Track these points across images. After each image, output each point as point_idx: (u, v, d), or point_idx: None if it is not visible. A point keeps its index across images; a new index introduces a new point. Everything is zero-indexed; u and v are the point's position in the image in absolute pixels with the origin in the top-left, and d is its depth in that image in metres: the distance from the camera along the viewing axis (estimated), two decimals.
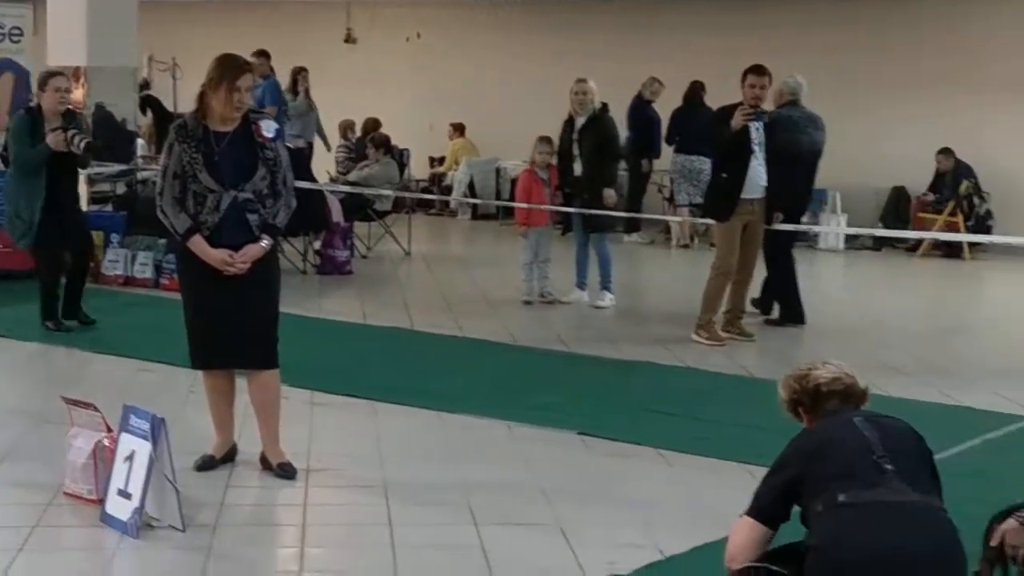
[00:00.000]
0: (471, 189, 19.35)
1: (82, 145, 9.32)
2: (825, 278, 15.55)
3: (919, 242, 16.39)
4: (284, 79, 16.26)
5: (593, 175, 11.47)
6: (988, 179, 16.39)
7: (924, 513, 3.94)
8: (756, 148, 9.90)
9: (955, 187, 16.37)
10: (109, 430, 5.73)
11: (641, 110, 16.62)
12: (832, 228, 16.41)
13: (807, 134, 10.85)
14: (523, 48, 19.76)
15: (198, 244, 6.08)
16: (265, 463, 6.37)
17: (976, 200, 16.38)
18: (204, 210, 6.10)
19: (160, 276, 11.78)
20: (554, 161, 11.68)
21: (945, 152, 16.57)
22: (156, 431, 5.38)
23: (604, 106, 11.70)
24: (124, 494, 5.44)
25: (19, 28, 13.75)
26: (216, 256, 6.07)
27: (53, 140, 9.31)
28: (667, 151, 16.45)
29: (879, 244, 16.87)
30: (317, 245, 13.42)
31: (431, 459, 6.77)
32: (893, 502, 3.90)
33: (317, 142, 17.19)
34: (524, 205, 11.76)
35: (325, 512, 5.90)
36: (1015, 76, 16.12)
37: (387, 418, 7.51)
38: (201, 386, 6.56)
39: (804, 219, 16.09)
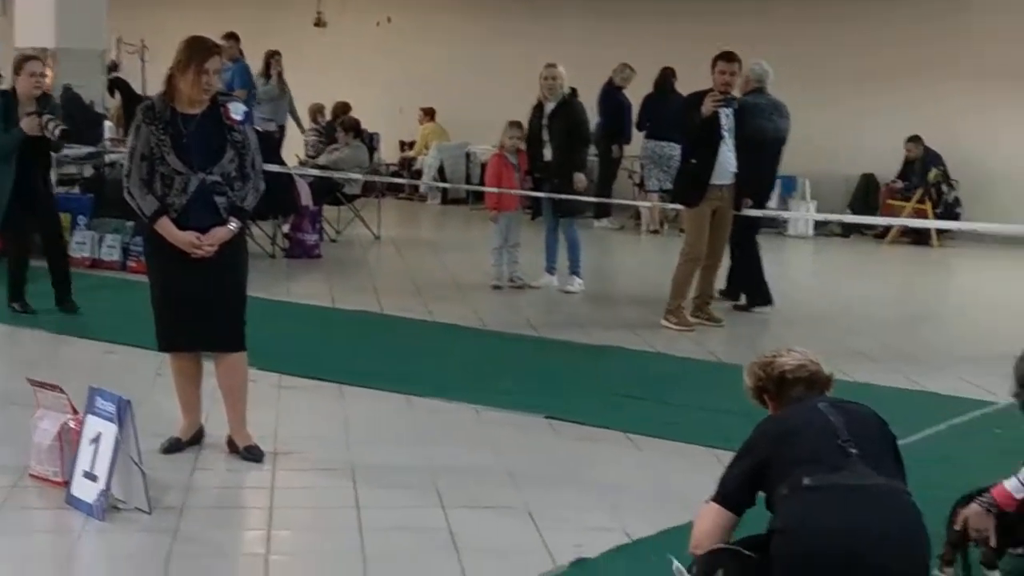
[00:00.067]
0: (441, 173, 19.32)
1: (57, 132, 9.26)
2: (794, 264, 15.61)
3: (887, 229, 16.46)
4: (254, 62, 16.18)
5: (563, 160, 11.47)
6: (957, 167, 16.47)
7: (888, 496, 3.97)
8: (726, 134, 9.92)
9: (924, 175, 16.45)
10: (75, 412, 5.70)
11: (612, 96, 16.62)
12: (801, 214, 16.46)
13: (772, 121, 10.87)
14: (494, 33, 19.73)
15: (165, 226, 6.05)
16: (232, 446, 6.35)
17: (944, 187, 16.46)
18: (172, 192, 6.06)
19: (127, 259, 11.73)
20: (523, 146, 11.67)
21: (914, 140, 16.64)
22: (122, 413, 5.35)
23: (573, 91, 11.70)
24: (90, 476, 5.42)
25: None
26: (183, 238, 6.04)
27: (28, 125, 9.24)
28: (637, 137, 16.46)
29: (848, 231, 16.95)
30: (286, 228, 13.38)
31: (399, 442, 6.76)
32: (858, 485, 3.92)
33: (290, 125, 17.13)
34: (494, 190, 11.75)
35: (292, 495, 5.88)
36: (983, 66, 16.18)
37: (355, 401, 7.50)
38: (168, 369, 6.54)
39: (772, 205, 16.26)
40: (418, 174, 19.72)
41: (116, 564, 5.10)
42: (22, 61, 9.58)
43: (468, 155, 19.33)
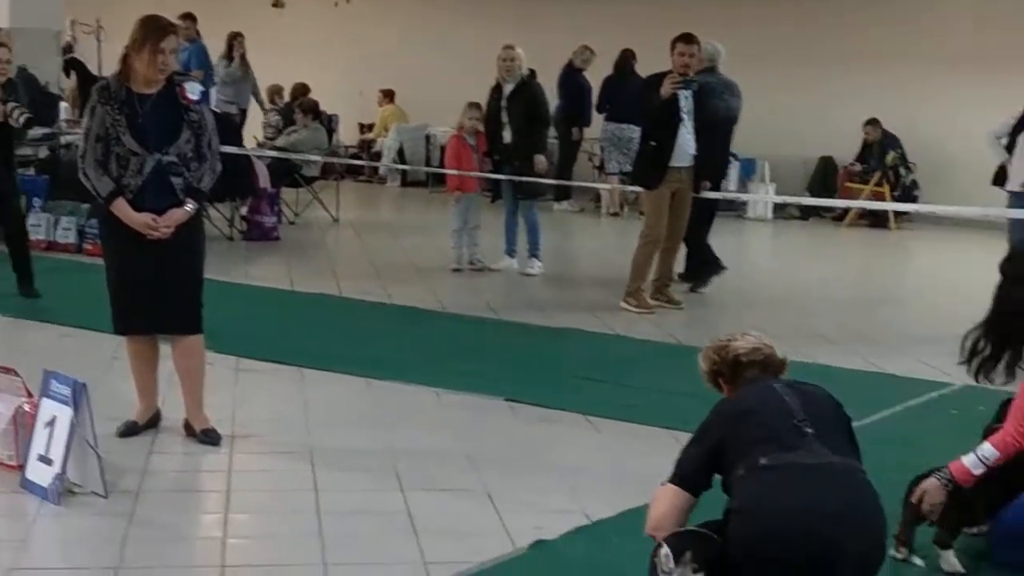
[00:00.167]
0: (400, 156, 19.26)
1: (22, 120, 9.17)
2: (753, 247, 15.68)
3: (846, 211, 16.55)
4: (212, 43, 16.05)
5: (523, 142, 11.45)
6: (914, 150, 16.56)
7: (844, 474, 3.99)
8: (685, 116, 9.92)
9: (882, 157, 16.54)
10: (30, 395, 5.65)
11: (572, 78, 16.60)
12: (760, 196, 16.51)
13: (723, 100, 10.88)
14: (453, 14, 19.67)
15: (121, 208, 5.98)
16: (189, 429, 6.31)
17: (902, 170, 16.56)
18: (127, 173, 5.99)
19: (83, 241, 11.64)
20: (482, 127, 11.63)
21: (872, 123, 16.72)
22: (77, 396, 5.30)
23: (532, 73, 11.68)
24: (45, 460, 5.36)
25: None
26: (139, 220, 5.98)
27: None
28: (597, 119, 16.45)
29: (806, 213, 17.02)
30: (244, 211, 13.30)
31: (358, 425, 6.74)
32: (813, 464, 3.94)
33: (253, 108, 17.03)
34: (454, 171, 11.72)
35: (249, 478, 5.85)
36: (942, 49, 16.26)
37: (313, 384, 7.46)
38: (124, 352, 6.47)
39: (731, 188, 16.32)
40: (377, 156, 19.64)
41: (71, 548, 5.06)
42: None
43: (428, 137, 19.28)
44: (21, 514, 5.26)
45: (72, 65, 15.91)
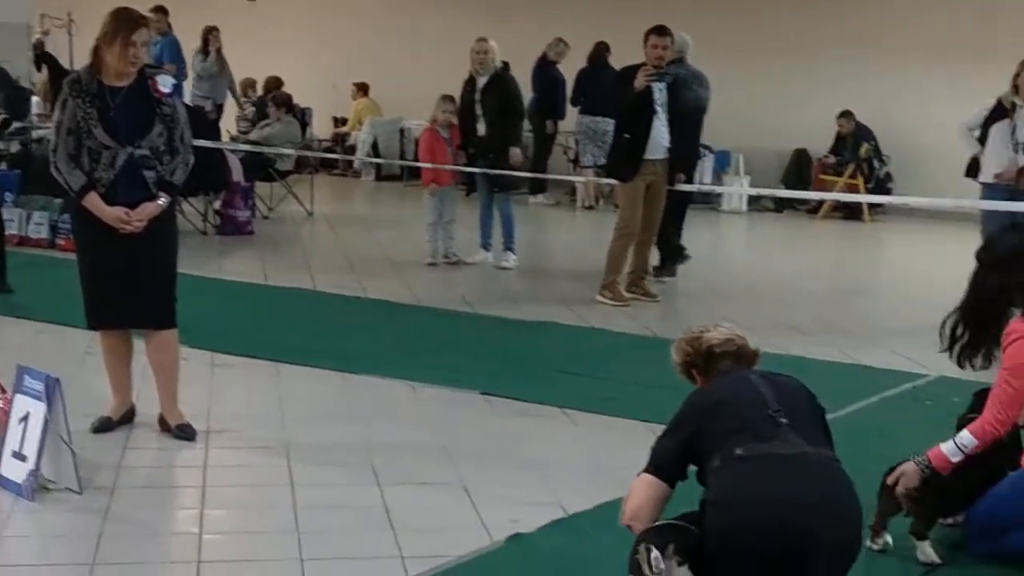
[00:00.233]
0: (375, 149, 19.22)
1: None
2: (728, 240, 15.71)
3: (820, 204, 16.59)
4: (185, 37, 15.95)
5: (497, 135, 11.43)
6: (888, 142, 16.61)
7: (819, 464, 4.00)
8: (659, 109, 9.92)
9: (855, 149, 16.58)
10: (3, 391, 5.61)
11: (546, 71, 16.60)
12: (734, 189, 16.54)
13: (692, 91, 10.87)
14: (426, 7, 19.64)
15: (93, 202, 5.94)
16: (164, 425, 6.28)
17: (876, 162, 16.61)
18: (99, 167, 5.95)
19: (56, 236, 11.57)
20: (456, 120, 11.61)
21: (846, 115, 16.76)
22: (51, 392, 5.27)
23: (505, 65, 11.68)
24: (19, 456, 5.33)
25: None
26: (112, 214, 5.94)
27: None
28: (572, 112, 16.45)
29: (781, 206, 17.07)
30: (217, 205, 13.25)
31: (333, 420, 6.71)
32: (788, 454, 3.95)
33: (229, 103, 16.96)
34: (428, 165, 11.69)
35: (225, 473, 5.82)
36: (914, 41, 16.31)
37: (289, 379, 7.43)
38: (98, 347, 6.44)
39: (706, 180, 16.35)
40: (351, 150, 19.60)
41: (46, 544, 5.02)
42: None
43: (402, 131, 19.24)
44: None
45: (43, 59, 15.82)
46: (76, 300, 6.26)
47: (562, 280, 11.38)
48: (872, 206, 16.27)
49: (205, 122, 13.54)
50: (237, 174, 13.36)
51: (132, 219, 5.95)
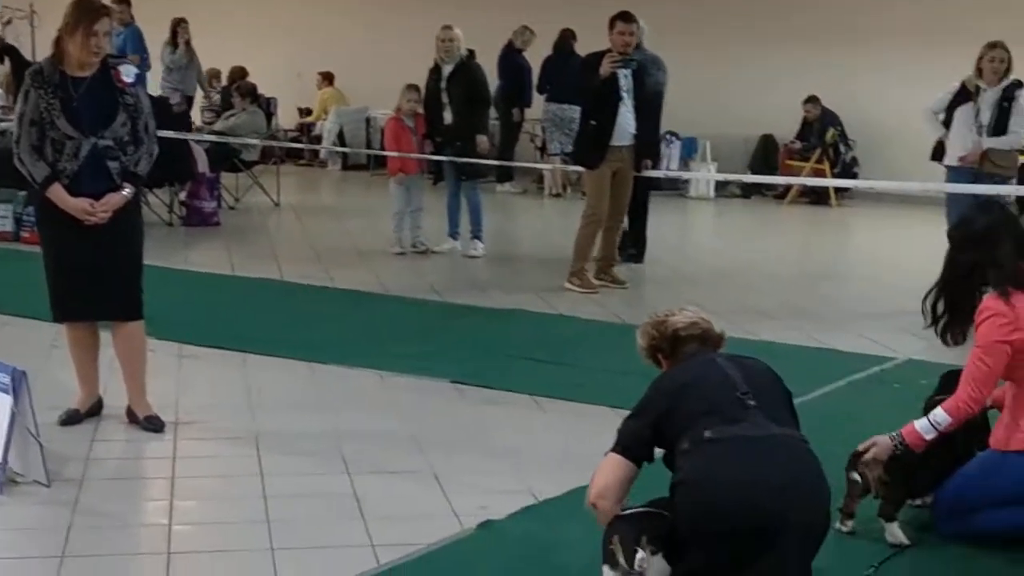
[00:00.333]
0: (341, 139, 19.16)
1: None
2: (696, 226, 15.75)
3: (787, 189, 16.65)
4: (146, 27, 15.85)
5: (463, 123, 11.41)
6: (854, 127, 16.68)
7: (787, 446, 4.02)
8: (624, 95, 9.92)
9: (821, 135, 16.65)
10: None
11: (511, 59, 16.58)
12: (702, 174, 16.57)
13: (651, 75, 10.85)
14: None
15: (57, 193, 5.90)
16: (132, 416, 6.25)
17: (842, 147, 16.67)
18: (63, 158, 5.91)
19: (20, 229, 11.48)
20: (421, 109, 11.59)
21: (812, 101, 16.83)
22: (17, 385, 5.23)
23: (471, 53, 11.66)
24: None
25: None
26: (76, 205, 5.90)
27: None
28: (538, 100, 16.44)
29: (748, 192, 17.12)
30: (183, 196, 13.18)
31: (302, 409, 6.69)
32: (757, 436, 3.96)
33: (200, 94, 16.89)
34: (395, 154, 11.67)
35: (194, 464, 5.79)
36: (878, 26, 16.38)
37: (257, 369, 7.40)
38: (64, 340, 6.40)
39: (672, 167, 16.38)
40: (317, 140, 19.54)
41: (15, 537, 4.98)
42: None
43: (368, 120, 19.18)
44: None
45: (5, 51, 15.66)
46: (41, 293, 6.22)
47: (530, 268, 11.38)
48: (839, 191, 16.35)
49: (169, 113, 13.48)
50: (202, 165, 13.29)
51: (97, 210, 5.91)
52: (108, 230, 5.96)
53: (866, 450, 4.86)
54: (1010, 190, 9.59)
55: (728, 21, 17.30)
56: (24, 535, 4.97)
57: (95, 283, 6.03)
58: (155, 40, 16.19)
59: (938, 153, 9.93)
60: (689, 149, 17.29)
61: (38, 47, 15.62)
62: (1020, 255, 4.96)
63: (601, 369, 7.44)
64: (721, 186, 17.12)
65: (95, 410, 6.33)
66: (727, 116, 17.10)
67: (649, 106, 10.35)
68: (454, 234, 11.83)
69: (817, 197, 16.59)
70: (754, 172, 16.75)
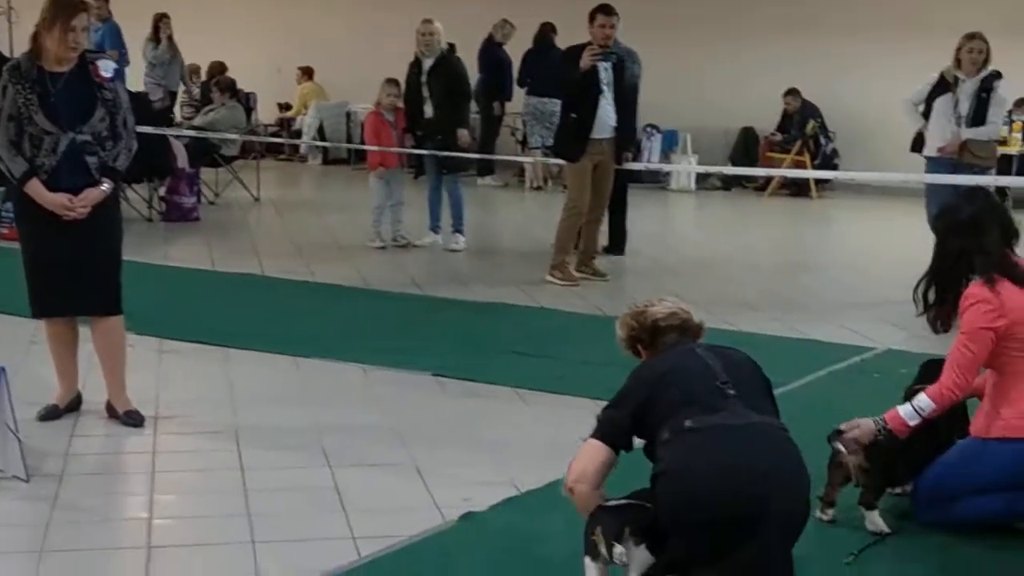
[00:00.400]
0: (321, 133, 19.12)
1: None
2: (677, 218, 15.78)
3: (768, 181, 16.67)
4: (124, 23, 15.77)
5: (444, 117, 11.39)
6: (834, 118, 16.72)
7: (767, 434, 4.02)
8: (605, 88, 9.92)
9: (802, 127, 16.68)
10: None
11: (492, 52, 16.56)
12: (683, 167, 16.58)
13: (626, 68, 10.85)
14: None
15: (35, 188, 5.88)
16: (111, 411, 6.24)
17: (822, 139, 16.71)
18: (41, 153, 5.89)
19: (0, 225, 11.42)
20: (401, 104, 11.58)
21: (792, 93, 16.86)
22: None
23: (451, 47, 11.64)
24: None
25: None
26: (55, 200, 5.88)
27: None
28: (519, 94, 16.42)
29: (729, 184, 17.15)
30: (162, 191, 13.14)
31: (283, 403, 6.68)
32: (737, 425, 3.96)
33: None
34: (375, 148, 11.65)
35: (174, 459, 5.78)
36: (858, 18, 16.42)
37: (238, 364, 7.39)
38: (43, 335, 6.38)
39: (654, 159, 16.39)
40: (297, 134, 19.50)
41: None
42: None
43: (348, 114, 19.15)
44: None
45: None
46: (20, 288, 6.19)
47: (511, 261, 11.38)
48: (819, 182, 16.38)
49: (148, 108, 13.43)
50: (182, 160, 13.25)
51: (75, 206, 5.89)
52: (87, 225, 5.95)
53: (849, 429, 4.87)
54: (989, 180, 9.61)
55: (708, 14, 17.31)
56: (3, 530, 4.94)
57: (74, 278, 6.01)
58: (135, 36, 16.13)
59: (918, 144, 9.96)
60: (670, 142, 17.31)
61: (16, 43, 15.53)
62: (1006, 242, 4.98)
63: (582, 361, 7.43)
64: (702, 178, 17.14)
65: (74, 405, 6.32)
66: (708, 109, 17.12)
67: (628, 99, 10.34)
68: (435, 228, 11.82)
69: (797, 189, 16.63)
70: (735, 164, 16.77)
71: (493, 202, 15.59)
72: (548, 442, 6.03)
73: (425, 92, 11.44)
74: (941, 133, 9.59)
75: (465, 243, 11.62)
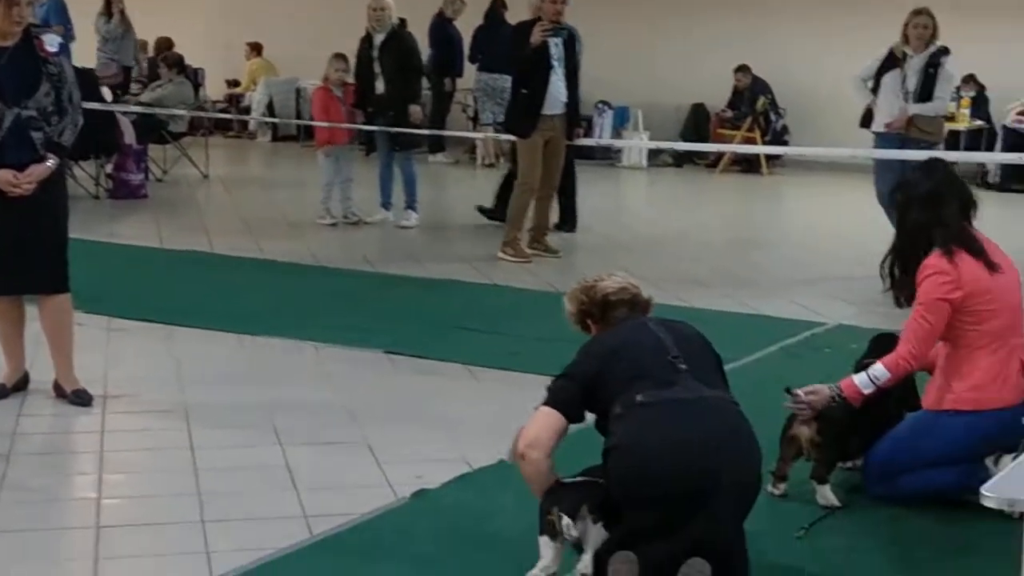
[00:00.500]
0: (270, 110, 18.98)
1: None
2: (628, 195, 15.78)
3: (719, 158, 16.71)
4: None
5: (396, 93, 11.33)
6: (784, 95, 16.77)
7: (718, 408, 4.03)
8: (556, 64, 9.89)
9: (752, 103, 16.72)
10: None
11: (442, 28, 16.47)
12: (634, 142, 16.59)
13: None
14: None
15: None
16: (59, 390, 6.16)
17: (773, 115, 16.76)
18: None
19: None
20: (349, 79, 11.50)
21: (742, 69, 16.89)
22: None
23: (402, 22, 11.58)
24: None
25: None
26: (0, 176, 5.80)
27: None
28: (470, 70, 16.36)
29: (680, 161, 17.18)
30: (109, 169, 13.00)
31: (234, 382, 6.63)
32: (689, 399, 3.97)
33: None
34: (325, 124, 11.57)
35: (123, 438, 5.72)
36: None
37: (187, 342, 7.32)
38: None
39: (607, 136, 16.38)
40: (246, 111, 19.34)
41: None
42: None
43: (298, 91, 19.00)
44: None
45: None
46: None
47: (463, 238, 11.35)
48: (770, 159, 16.45)
49: (95, 83, 13.27)
50: (129, 136, 13.10)
51: (20, 182, 5.81)
52: (32, 202, 5.86)
53: (808, 393, 4.88)
54: (937, 156, 9.65)
55: None
56: None
57: (19, 256, 5.93)
58: (85, 12, 15.96)
59: (867, 120, 9.99)
60: (621, 118, 17.31)
61: None
62: (965, 215, 5.00)
63: (535, 338, 7.42)
64: (653, 155, 17.16)
65: (21, 385, 6.24)
66: (659, 85, 17.13)
67: (576, 75, 10.32)
68: (387, 204, 11.76)
69: (748, 165, 16.68)
70: (686, 141, 16.79)
71: (444, 179, 15.54)
72: (500, 419, 5.98)
73: (376, 68, 11.36)
74: (889, 108, 9.63)
75: (418, 220, 11.57)
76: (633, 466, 3.87)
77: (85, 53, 14.91)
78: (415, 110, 11.47)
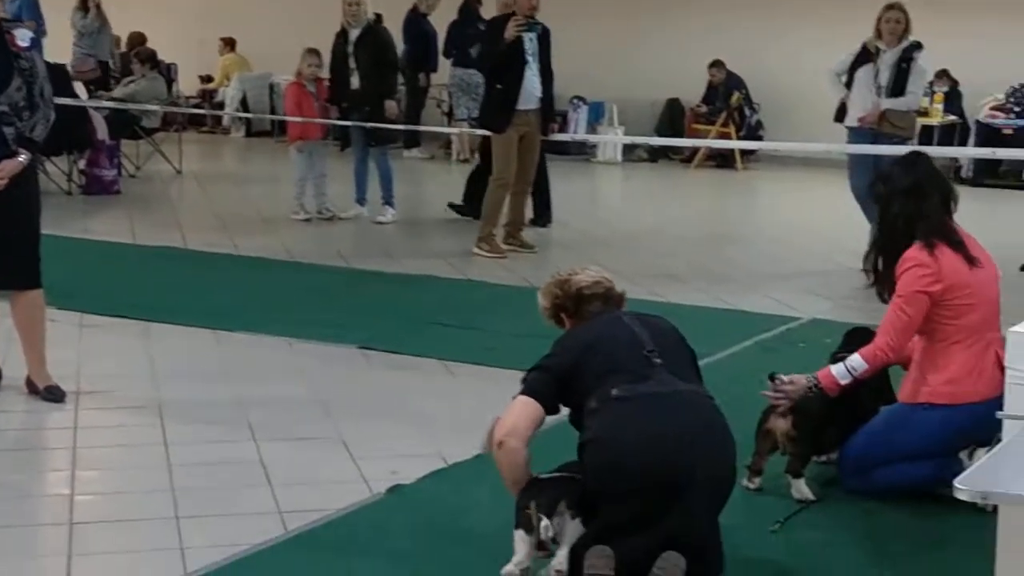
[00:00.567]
0: (244, 105, 18.91)
1: None
2: (603, 190, 15.79)
3: (694, 153, 16.74)
4: None
5: (371, 88, 11.30)
6: (758, 90, 16.79)
7: (693, 402, 4.04)
8: (530, 59, 9.88)
9: (727, 98, 16.74)
10: None
11: (416, 24, 16.42)
12: (607, 137, 16.59)
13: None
14: None
15: None
16: (31, 387, 6.12)
17: (747, 110, 16.78)
18: None
19: None
20: (322, 74, 11.46)
21: (717, 64, 16.90)
22: None
23: (378, 17, 11.55)
24: None
25: None
26: None
27: None
28: (445, 65, 16.32)
29: (655, 156, 17.19)
30: (82, 164, 12.93)
31: (207, 378, 6.60)
32: (664, 392, 3.97)
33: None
34: (298, 119, 11.54)
35: (97, 434, 5.69)
36: None
37: (160, 338, 7.29)
38: None
39: (582, 131, 16.38)
40: (219, 106, 19.26)
41: None
42: None
43: (272, 86, 18.91)
44: None
45: None
46: None
47: (439, 233, 11.33)
48: (744, 154, 16.47)
49: (67, 79, 13.20)
50: (102, 132, 13.03)
51: None
52: (4, 197, 5.82)
53: (785, 383, 4.89)
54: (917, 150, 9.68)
55: None
56: None
57: None
58: (59, 7, 15.87)
59: (841, 115, 10.01)
60: (596, 113, 17.31)
61: None
62: (945, 208, 5.00)
63: (510, 333, 7.40)
64: (628, 150, 17.16)
65: None
66: (634, 80, 17.12)
67: (550, 71, 10.31)
68: (361, 200, 11.74)
69: (723, 160, 16.70)
70: (661, 136, 16.80)
71: (419, 175, 15.51)
72: (475, 414, 5.95)
73: (352, 63, 11.33)
74: (862, 103, 9.66)
75: (394, 215, 11.55)
76: (608, 460, 3.87)
77: (58, 48, 14.81)
78: (391, 105, 11.45)
